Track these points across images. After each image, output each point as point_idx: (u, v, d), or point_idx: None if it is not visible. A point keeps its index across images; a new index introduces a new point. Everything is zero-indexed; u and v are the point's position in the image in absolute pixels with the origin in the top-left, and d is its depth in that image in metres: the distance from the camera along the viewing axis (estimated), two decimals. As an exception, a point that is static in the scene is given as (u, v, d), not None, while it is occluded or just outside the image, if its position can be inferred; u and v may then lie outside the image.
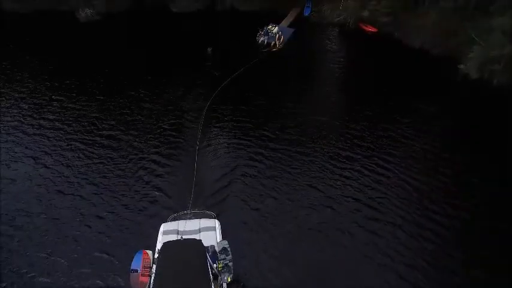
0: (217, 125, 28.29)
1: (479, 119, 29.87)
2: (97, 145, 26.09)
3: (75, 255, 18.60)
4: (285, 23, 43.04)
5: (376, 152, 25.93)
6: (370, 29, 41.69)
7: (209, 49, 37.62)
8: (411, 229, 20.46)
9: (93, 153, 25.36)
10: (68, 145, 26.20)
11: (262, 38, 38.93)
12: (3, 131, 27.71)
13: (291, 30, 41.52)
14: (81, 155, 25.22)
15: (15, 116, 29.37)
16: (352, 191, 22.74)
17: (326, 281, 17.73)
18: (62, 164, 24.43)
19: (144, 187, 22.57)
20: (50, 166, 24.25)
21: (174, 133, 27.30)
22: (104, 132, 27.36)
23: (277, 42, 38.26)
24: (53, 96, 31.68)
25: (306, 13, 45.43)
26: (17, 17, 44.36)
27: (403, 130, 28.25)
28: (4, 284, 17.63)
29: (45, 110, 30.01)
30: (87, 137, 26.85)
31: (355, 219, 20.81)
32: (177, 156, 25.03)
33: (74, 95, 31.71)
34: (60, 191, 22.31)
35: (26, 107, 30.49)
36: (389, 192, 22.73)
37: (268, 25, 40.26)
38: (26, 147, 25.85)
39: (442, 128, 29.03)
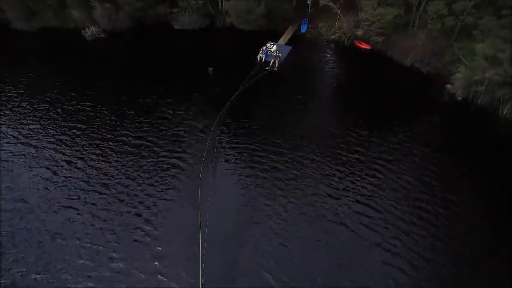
0: (227, 147, 30.75)
1: (466, 133, 32.95)
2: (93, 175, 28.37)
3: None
4: (282, 40, 45.09)
5: (370, 161, 29.34)
6: (365, 46, 43.88)
7: (210, 69, 39.59)
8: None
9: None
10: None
11: (261, 57, 40.90)
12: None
13: (289, 47, 43.61)
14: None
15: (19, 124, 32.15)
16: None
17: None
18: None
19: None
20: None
21: (177, 157, 29.52)
22: (94, 162, 29.38)
23: (276, 61, 40.28)
24: (56, 115, 33.61)
25: (303, 30, 47.52)
26: (25, 35, 46.08)
27: (395, 141, 31.39)
28: None
29: (53, 127, 32.22)
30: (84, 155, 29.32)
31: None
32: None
33: (80, 111, 33.85)
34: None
35: (30, 121, 32.78)
36: (381, 193, 26.59)
37: (267, 43, 42.30)
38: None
39: (430, 141, 31.84)
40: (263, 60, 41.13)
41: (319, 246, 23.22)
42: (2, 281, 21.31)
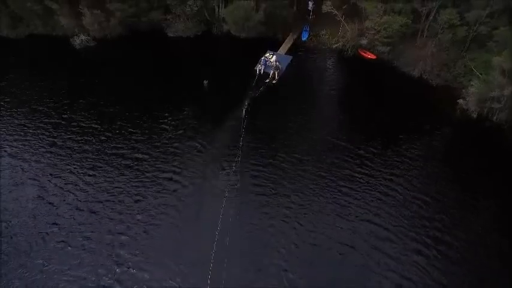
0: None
1: (479, 151, 30.89)
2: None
3: None
4: (282, 49, 42.61)
5: (377, 176, 28.22)
6: (369, 55, 41.54)
7: (205, 82, 37.15)
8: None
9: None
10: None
11: (260, 69, 38.34)
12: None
13: (289, 57, 41.05)
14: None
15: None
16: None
17: None
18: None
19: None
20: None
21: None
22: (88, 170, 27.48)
23: (276, 73, 37.76)
24: (42, 125, 31.82)
25: (304, 38, 45.08)
26: (12, 43, 43.62)
27: (402, 157, 29.62)
28: None
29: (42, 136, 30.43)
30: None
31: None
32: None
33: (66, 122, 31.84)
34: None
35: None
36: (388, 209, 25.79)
37: (266, 53, 39.72)
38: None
39: (440, 158, 30.24)
40: (262, 72, 38.57)
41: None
42: None
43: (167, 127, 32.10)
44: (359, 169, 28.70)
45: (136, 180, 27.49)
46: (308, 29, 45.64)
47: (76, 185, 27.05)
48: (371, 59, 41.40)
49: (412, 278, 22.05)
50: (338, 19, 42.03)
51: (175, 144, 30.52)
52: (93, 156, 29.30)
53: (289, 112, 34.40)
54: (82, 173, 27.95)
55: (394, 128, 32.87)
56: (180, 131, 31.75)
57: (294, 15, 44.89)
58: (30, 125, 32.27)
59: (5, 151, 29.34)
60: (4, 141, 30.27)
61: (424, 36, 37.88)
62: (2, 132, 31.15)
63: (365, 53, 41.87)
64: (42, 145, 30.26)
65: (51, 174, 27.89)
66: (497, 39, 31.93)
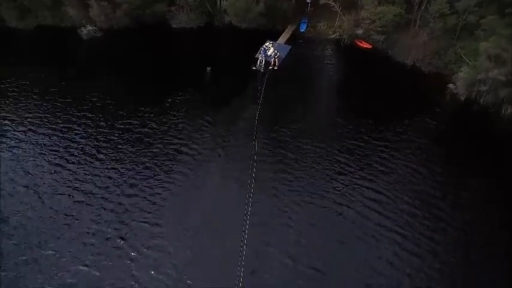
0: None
1: (467, 132, 32.90)
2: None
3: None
4: (281, 39, 44.43)
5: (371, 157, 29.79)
6: (365, 45, 43.36)
7: (208, 68, 38.97)
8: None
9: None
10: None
11: (260, 58, 40.09)
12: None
13: (288, 47, 42.86)
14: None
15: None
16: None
17: None
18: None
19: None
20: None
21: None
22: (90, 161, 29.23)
23: (276, 61, 39.54)
24: (50, 115, 33.10)
25: (302, 29, 46.88)
26: (21, 34, 45.18)
27: (396, 138, 31.50)
28: None
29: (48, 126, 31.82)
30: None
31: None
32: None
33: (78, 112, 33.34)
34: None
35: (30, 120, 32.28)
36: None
37: (266, 43, 41.50)
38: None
39: (431, 139, 31.94)
40: (262, 60, 40.32)
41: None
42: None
43: (173, 106, 34.14)
44: (355, 150, 30.51)
45: (147, 151, 29.44)
46: (306, 21, 47.46)
47: (92, 155, 29.02)
48: (367, 48, 43.28)
49: (406, 234, 24.05)
50: (335, 10, 43.92)
51: (181, 120, 32.54)
52: (107, 131, 31.34)
53: (286, 98, 36.09)
54: (97, 145, 29.88)
55: (389, 113, 34.67)
56: (184, 109, 33.84)
57: (293, 7, 46.74)
58: (46, 104, 34.04)
59: (23, 133, 30.88)
60: (19, 125, 31.73)
61: (417, 25, 39.83)
62: (14, 117, 32.46)
63: (361, 42, 43.74)
64: (57, 122, 32.03)
65: (67, 146, 29.75)
66: (485, 27, 33.82)
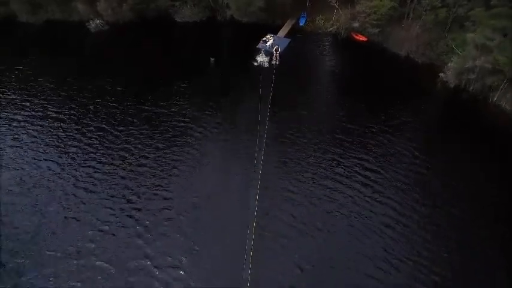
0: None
1: (457, 118, 34.77)
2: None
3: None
4: (281, 33, 46.37)
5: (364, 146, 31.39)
6: (361, 38, 45.28)
7: (212, 59, 40.97)
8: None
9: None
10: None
11: (261, 50, 42.04)
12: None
13: (287, 40, 44.88)
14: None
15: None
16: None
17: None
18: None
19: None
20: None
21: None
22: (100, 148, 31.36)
23: (276, 54, 41.49)
24: (60, 107, 34.89)
25: (301, 23, 48.80)
26: (31, 28, 47.07)
27: (391, 125, 33.39)
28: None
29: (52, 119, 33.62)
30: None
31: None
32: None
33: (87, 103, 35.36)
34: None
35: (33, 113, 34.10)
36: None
37: (267, 35, 43.52)
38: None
39: (422, 127, 33.88)
40: (263, 51, 42.25)
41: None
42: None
43: (179, 93, 36.32)
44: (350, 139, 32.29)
45: (156, 131, 31.98)
46: (305, 15, 49.41)
47: (105, 138, 31.32)
48: (363, 41, 45.22)
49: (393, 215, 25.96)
50: (332, 5, 45.87)
51: (187, 105, 34.80)
52: (118, 114, 33.72)
53: (286, 89, 37.70)
54: (110, 129, 32.14)
55: (382, 102, 36.45)
56: (189, 96, 36.06)
57: (292, 2, 48.59)
58: (61, 90, 36.33)
59: (22, 126, 32.71)
60: (34, 110, 33.94)
61: (410, 18, 41.77)
62: (27, 107, 34.43)
63: (357, 35, 45.68)
64: (70, 107, 34.38)
65: (81, 128, 32.19)
66: (473, 19, 35.75)
